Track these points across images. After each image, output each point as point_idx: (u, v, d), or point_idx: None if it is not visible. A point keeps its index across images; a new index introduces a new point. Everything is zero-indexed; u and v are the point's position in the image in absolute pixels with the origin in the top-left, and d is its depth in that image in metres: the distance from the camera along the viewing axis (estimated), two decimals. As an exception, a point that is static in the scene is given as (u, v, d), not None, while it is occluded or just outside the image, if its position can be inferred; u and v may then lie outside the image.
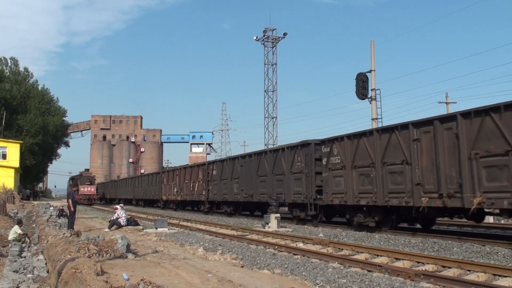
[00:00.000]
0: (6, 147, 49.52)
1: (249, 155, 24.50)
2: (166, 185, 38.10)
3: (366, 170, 15.42)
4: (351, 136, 16.35)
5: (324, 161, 17.68)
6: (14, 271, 8.87)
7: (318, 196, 17.94)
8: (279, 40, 48.64)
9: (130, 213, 27.43)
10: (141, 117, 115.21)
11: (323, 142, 18.02)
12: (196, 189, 31.10)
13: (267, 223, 17.78)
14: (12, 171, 47.68)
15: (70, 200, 16.81)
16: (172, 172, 37.63)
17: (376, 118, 27.26)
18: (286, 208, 22.50)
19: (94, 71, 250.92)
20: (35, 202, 47.15)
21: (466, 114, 12.08)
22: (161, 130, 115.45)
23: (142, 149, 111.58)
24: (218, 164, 28.30)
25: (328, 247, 11.98)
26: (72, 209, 16.69)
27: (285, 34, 49.16)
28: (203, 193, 29.70)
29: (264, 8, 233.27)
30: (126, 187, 54.60)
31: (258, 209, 26.09)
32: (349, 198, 16.04)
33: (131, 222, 19.73)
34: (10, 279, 7.95)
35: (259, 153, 23.36)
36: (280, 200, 20.27)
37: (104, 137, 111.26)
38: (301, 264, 9.81)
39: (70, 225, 16.37)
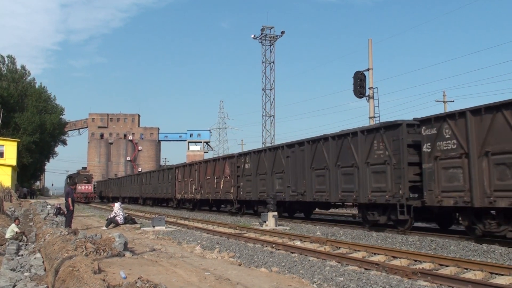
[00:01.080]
0: (3, 145, 49.39)
1: (299, 143, 19.81)
2: (181, 182, 33.95)
3: (508, 157, 11.17)
4: (480, 110, 11.83)
5: (425, 147, 13.35)
6: (11, 270, 8.86)
7: (411, 195, 14.01)
8: (276, 39, 48.58)
9: (128, 211, 27.43)
10: (139, 115, 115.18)
11: (424, 121, 13.52)
12: (221, 186, 26.89)
13: (265, 221, 17.81)
14: (9, 169, 47.59)
15: (70, 199, 16.78)
16: (189, 167, 33.22)
17: (374, 117, 27.39)
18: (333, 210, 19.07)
19: (92, 69, 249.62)
20: (33, 201, 47.05)
21: None
22: (158, 129, 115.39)
23: (140, 148, 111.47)
24: (253, 156, 23.87)
25: (326, 245, 12.01)
26: (71, 207, 16.68)
27: (282, 32, 49.05)
28: (232, 191, 25.58)
29: (262, 7, 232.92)
30: (132, 184, 50.32)
31: (303, 211, 22.10)
32: (476, 198, 11.80)
33: (129, 220, 19.73)
34: (7, 278, 7.94)
35: (315, 140, 18.66)
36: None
37: (102, 135, 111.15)
38: (299, 262, 9.83)
39: (68, 224, 16.36)
